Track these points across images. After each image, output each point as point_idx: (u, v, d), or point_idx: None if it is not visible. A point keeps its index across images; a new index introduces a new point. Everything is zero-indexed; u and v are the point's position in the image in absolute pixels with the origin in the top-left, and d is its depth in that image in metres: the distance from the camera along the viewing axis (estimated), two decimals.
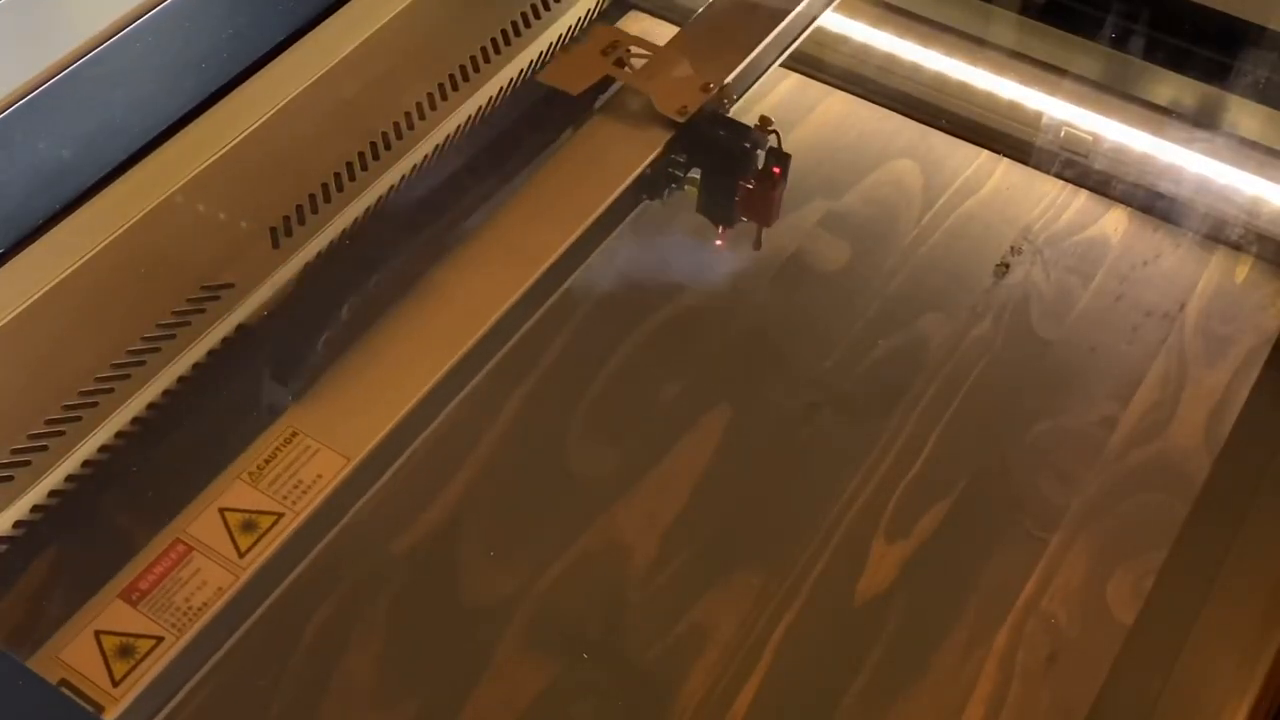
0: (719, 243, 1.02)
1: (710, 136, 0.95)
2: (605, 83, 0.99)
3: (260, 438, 0.78)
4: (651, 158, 0.92)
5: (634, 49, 0.98)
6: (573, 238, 0.90)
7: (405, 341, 0.86)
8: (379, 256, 0.92)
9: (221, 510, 0.76)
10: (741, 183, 0.95)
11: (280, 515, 0.76)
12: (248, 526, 0.76)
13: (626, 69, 0.96)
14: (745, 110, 1.01)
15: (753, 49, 1.01)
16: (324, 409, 0.80)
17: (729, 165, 0.95)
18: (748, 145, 0.95)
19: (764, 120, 0.95)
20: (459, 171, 0.96)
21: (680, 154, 0.95)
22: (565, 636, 0.88)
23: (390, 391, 0.82)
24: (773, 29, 1.03)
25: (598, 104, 0.97)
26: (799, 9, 1.05)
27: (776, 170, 0.95)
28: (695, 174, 0.96)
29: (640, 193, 0.94)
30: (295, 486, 0.77)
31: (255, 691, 0.86)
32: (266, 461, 0.78)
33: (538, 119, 0.95)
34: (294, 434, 0.79)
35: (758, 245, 1.01)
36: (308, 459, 0.77)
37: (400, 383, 0.82)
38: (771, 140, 0.95)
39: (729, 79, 0.98)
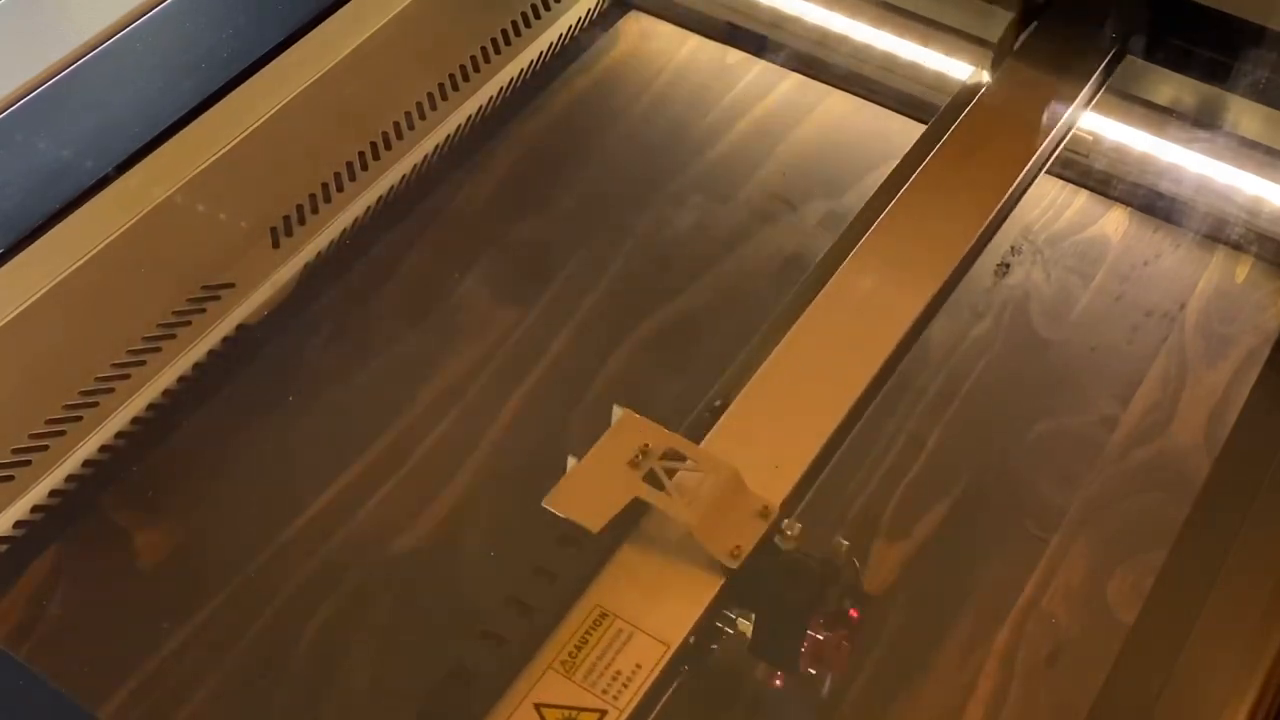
0: (777, 683, 0.80)
1: (770, 578, 0.72)
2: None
3: (567, 619, 0.68)
4: (696, 619, 0.70)
5: (667, 453, 0.72)
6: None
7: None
8: None
9: (538, 706, 0.66)
10: (810, 631, 0.72)
11: (603, 712, 0.66)
12: None
13: (663, 490, 0.71)
14: None
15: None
16: (629, 584, 0.70)
17: (793, 611, 0.72)
18: (818, 587, 0.72)
19: (839, 547, 0.74)
20: None
21: (731, 603, 0.72)
22: None
23: (693, 569, 0.71)
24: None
25: (626, 539, 0.74)
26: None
27: (854, 613, 0.73)
28: (749, 614, 0.73)
29: (679, 663, 0.70)
30: (614, 678, 0.67)
31: (255, 691, 0.86)
32: (578, 648, 0.68)
33: (543, 568, 0.72)
34: (603, 615, 0.69)
35: (824, 695, 0.82)
36: (622, 645, 0.68)
37: (698, 557, 0.71)
38: (848, 574, 0.73)
39: (788, 492, 0.75)
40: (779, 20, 1.18)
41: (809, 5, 1.15)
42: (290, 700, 0.85)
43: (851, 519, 0.93)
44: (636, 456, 0.71)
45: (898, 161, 0.95)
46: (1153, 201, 1.09)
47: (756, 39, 1.21)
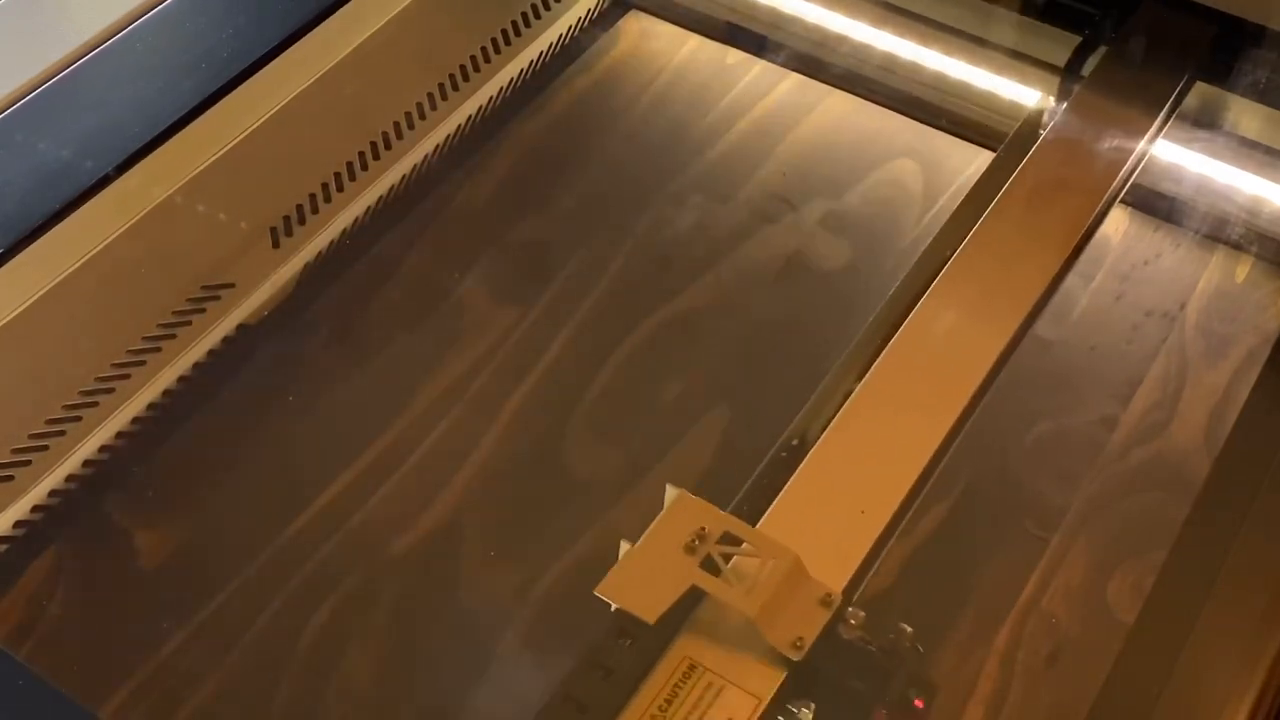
0: None
1: (833, 668, 0.69)
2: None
3: (656, 670, 0.66)
4: (761, 711, 0.67)
5: (723, 537, 0.69)
6: None
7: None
8: None
9: None
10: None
11: None
12: None
13: (720, 576, 0.67)
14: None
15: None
16: (718, 635, 0.67)
17: (855, 702, 0.69)
18: (882, 677, 0.70)
19: (902, 633, 0.71)
20: None
21: (795, 698, 0.69)
22: (565, 636, 0.88)
23: (754, 660, 0.68)
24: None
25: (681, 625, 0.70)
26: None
27: (919, 703, 0.70)
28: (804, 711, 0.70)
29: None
30: None
31: (255, 691, 0.86)
32: (668, 701, 0.65)
33: (600, 663, 0.69)
34: (692, 666, 0.66)
35: None
36: (713, 698, 0.66)
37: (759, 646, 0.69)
38: (912, 661, 0.70)
39: (849, 579, 0.72)
40: (779, 20, 1.18)
41: (809, 5, 1.15)
42: (290, 700, 0.85)
43: None
44: (693, 541, 0.68)
45: (897, 161, 0.95)
46: (1153, 201, 1.09)
47: (756, 39, 1.21)
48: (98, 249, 0.86)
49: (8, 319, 0.83)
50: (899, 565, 0.91)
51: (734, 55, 1.22)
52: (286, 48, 0.93)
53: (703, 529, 0.68)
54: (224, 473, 0.95)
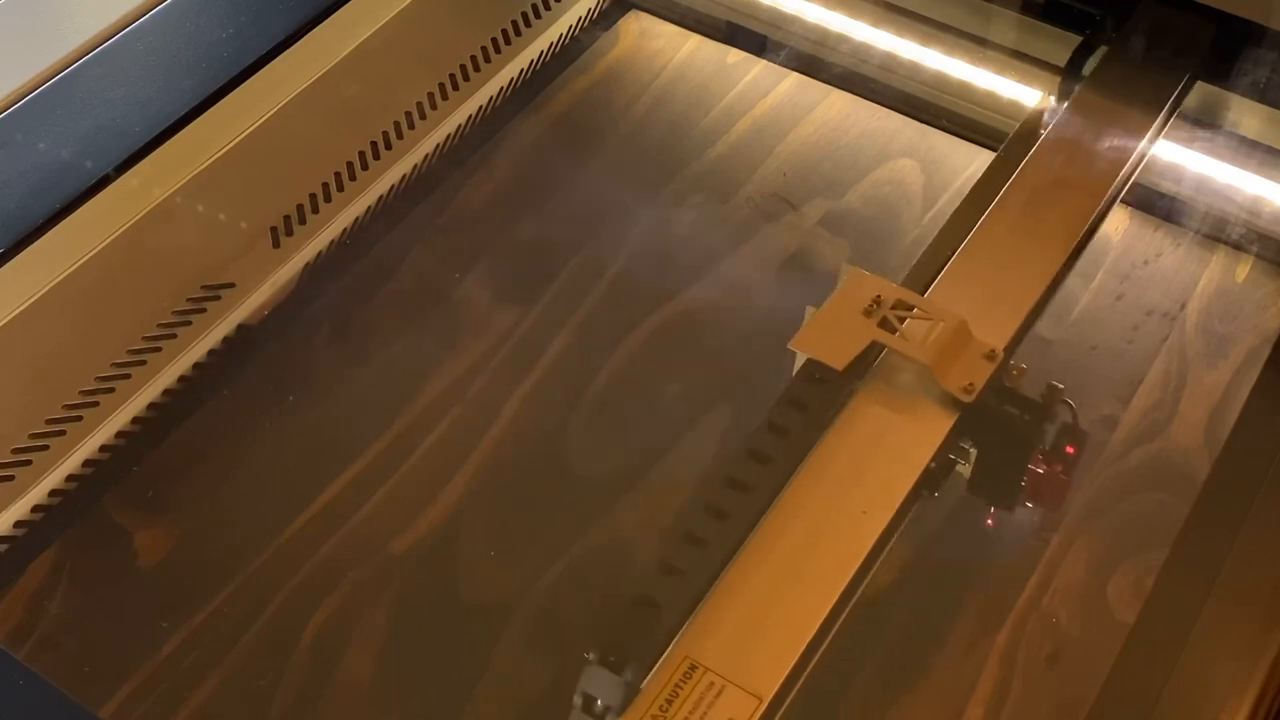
0: (990, 523, 0.88)
1: (998, 414, 0.78)
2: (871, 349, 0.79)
3: (656, 671, 0.66)
4: (939, 445, 0.76)
5: (898, 303, 0.78)
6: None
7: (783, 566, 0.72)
8: None
9: None
10: (1030, 465, 0.79)
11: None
12: None
13: (896, 334, 0.77)
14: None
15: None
16: (719, 635, 0.68)
17: (1018, 447, 0.79)
18: (1043, 424, 0.78)
19: (1054, 391, 0.79)
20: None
21: (964, 437, 0.78)
22: (565, 636, 0.88)
23: (785, 617, 0.70)
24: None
25: (865, 375, 0.78)
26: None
27: (1071, 449, 0.79)
28: (971, 451, 0.79)
29: (923, 488, 0.76)
30: None
31: (255, 691, 0.86)
32: (669, 701, 0.66)
33: (797, 399, 0.75)
34: (693, 667, 0.67)
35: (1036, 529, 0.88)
36: (714, 698, 0.66)
37: (793, 605, 0.70)
38: (1065, 414, 0.79)
39: (1009, 340, 0.80)
40: (779, 20, 1.18)
41: (809, 5, 1.15)
42: (290, 700, 0.85)
43: None
44: (870, 306, 0.78)
45: (897, 161, 0.95)
46: (1153, 200, 1.09)
47: (756, 39, 1.21)
48: (98, 249, 0.86)
49: (8, 319, 0.83)
50: (899, 565, 0.91)
51: (734, 55, 1.22)
52: (286, 48, 0.93)
53: (879, 296, 0.78)
54: (224, 473, 0.95)
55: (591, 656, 0.65)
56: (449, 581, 0.90)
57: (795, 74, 1.19)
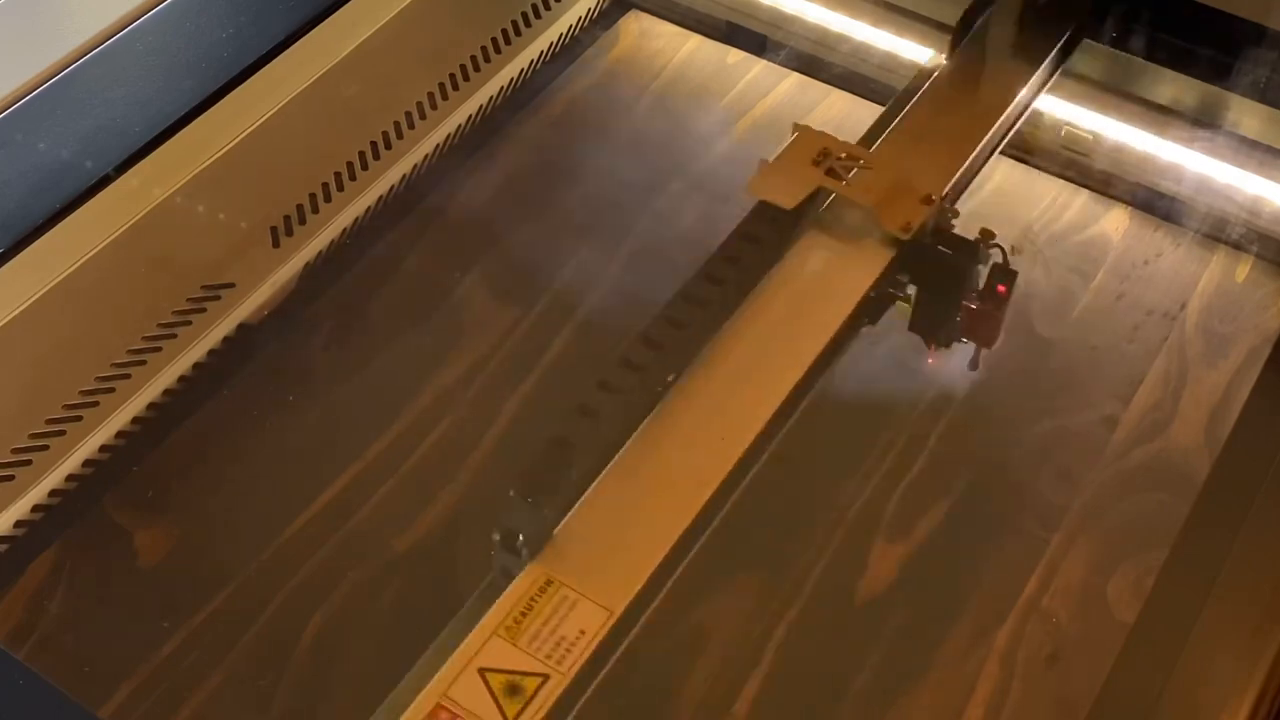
0: (930, 360, 0.93)
1: (933, 254, 0.85)
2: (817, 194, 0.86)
3: (512, 586, 0.69)
4: (876, 278, 0.83)
5: (844, 156, 0.86)
6: (803, 371, 0.80)
7: (648, 478, 0.75)
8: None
9: (482, 671, 0.67)
10: (964, 303, 0.86)
11: (546, 677, 0.67)
12: (512, 690, 0.66)
13: (842, 181, 0.85)
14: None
15: (969, 152, 0.91)
16: (576, 552, 0.71)
17: (952, 284, 0.85)
18: (975, 263, 0.85)
19: (986, 234, 0.85)
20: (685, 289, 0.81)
21: (902, 273, 0.85)
22: None
23: (642, 531, 0.73)
24: (988, 127, 0.93)
25: (810, 217, 0.86)
26: (1014, 102, 0.95)
27: (1002, 289, 0.85)
28: (910, 290, 0.86)
29: (862, 316, 0.84)
30: (558, 644, 0.68)
31: (255, 691, 0.86)
32: (523, 614, 0.69)
33: (749, 234, 0.83)
34: (548, 582, 0.69)
35: (974, 365, 0.92)
36: (567, 611, 0.69)
37: (650, 521, 0.73)
38: (996, 255, 0.85)
39: (948, 187, 0.88)
40: (779, 20, 1.18)
41: (809, 5, 1.15)
42: (290, 700, 0.86)
43: (851, 519, 0.94)
44: (819, 157, 0.86)
45: None
46: (1153, 201, 1.09)
47: (756, 39, 1.21)
48: (98, 249, 0.86)
49: (8, 319, 0.83)
50: (899, 565, 0.91)
51: (734, 55, 1.22)
52: (286, 48, 0.93)
53: (826, 149, 0.86)
54: (224, 473, 0.95)
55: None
56: (449, 581, 0.90)
57: (795, 74, 1.20)
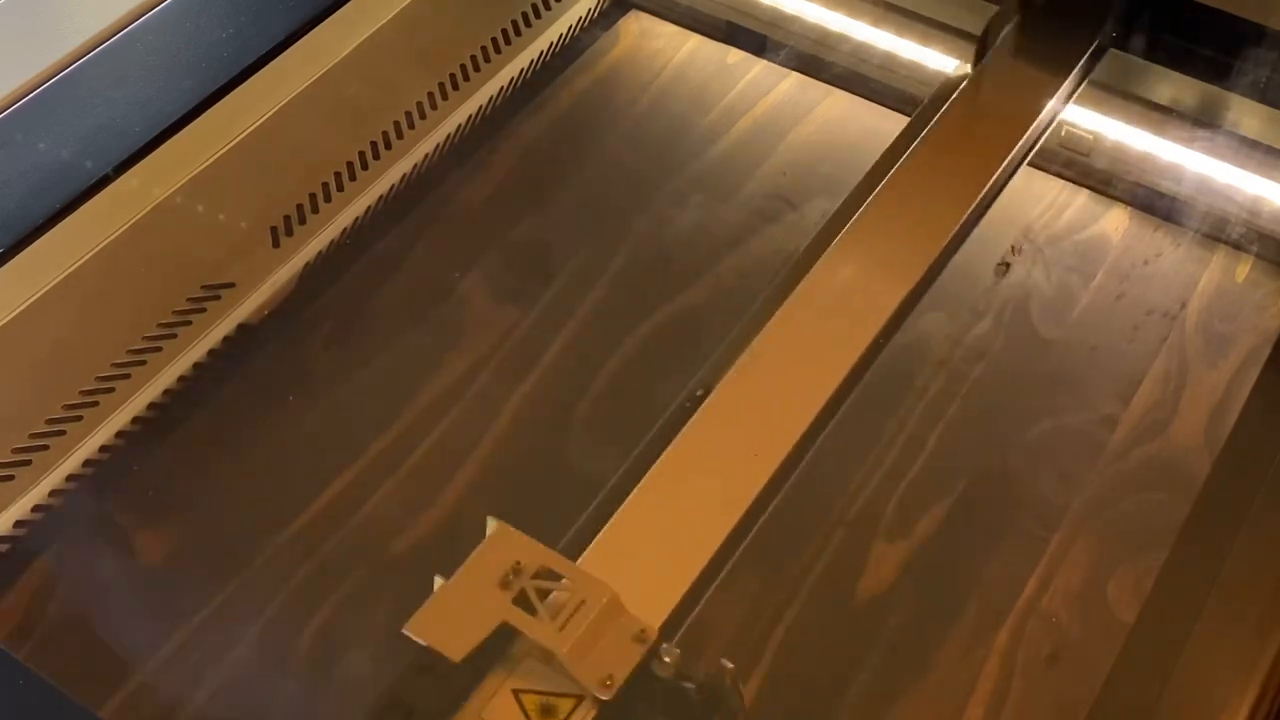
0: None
1: (646, 708, 0.66)
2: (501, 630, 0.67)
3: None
4: None
5: (540, 576, 0.67)
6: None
7: (680, 497, 0.74)
8: None
9: (516, 693, 0.64)
10: None
11: (580, 699, 0.64)
12: (546, 711, 0.64)
13: (534, 613, 0.65)
14: None
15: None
16: (610, 567, 0.69)
17: None
18: (698, 716, 0.67)
19: (723, 672, 0.67)
20: None
21: None
22: None
23: (677, 549, 0.71)
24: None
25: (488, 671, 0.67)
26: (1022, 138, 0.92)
27: None
28: None
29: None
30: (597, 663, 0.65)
31: (255, 692, 0.86)
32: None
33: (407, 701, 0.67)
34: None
35: None
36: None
37: (685, 539, 0.72)
38: (732, 701, 0.67)
39: (667, 615, 0.70)
40: (779, 20, 1.18)
41: (809, 5, 1.15)
42: (290, 700, 0.86)
43: (852, 519, 0.94)
44: (508, 576, 0.67)
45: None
46: (1153, 201, 1.09)
47: (756, 39, 1.21)
48: (98, 249, 0.86)
49: (8, 319, 0.83)
50: (899, 565, 0.91)
51: (734, 55, 1.22)
52: (286, 48, 0.93)
53: (519, 563, 0.67)
54: (224, 472, 0.95)
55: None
56: None
57: (795, 74, 1.20)
